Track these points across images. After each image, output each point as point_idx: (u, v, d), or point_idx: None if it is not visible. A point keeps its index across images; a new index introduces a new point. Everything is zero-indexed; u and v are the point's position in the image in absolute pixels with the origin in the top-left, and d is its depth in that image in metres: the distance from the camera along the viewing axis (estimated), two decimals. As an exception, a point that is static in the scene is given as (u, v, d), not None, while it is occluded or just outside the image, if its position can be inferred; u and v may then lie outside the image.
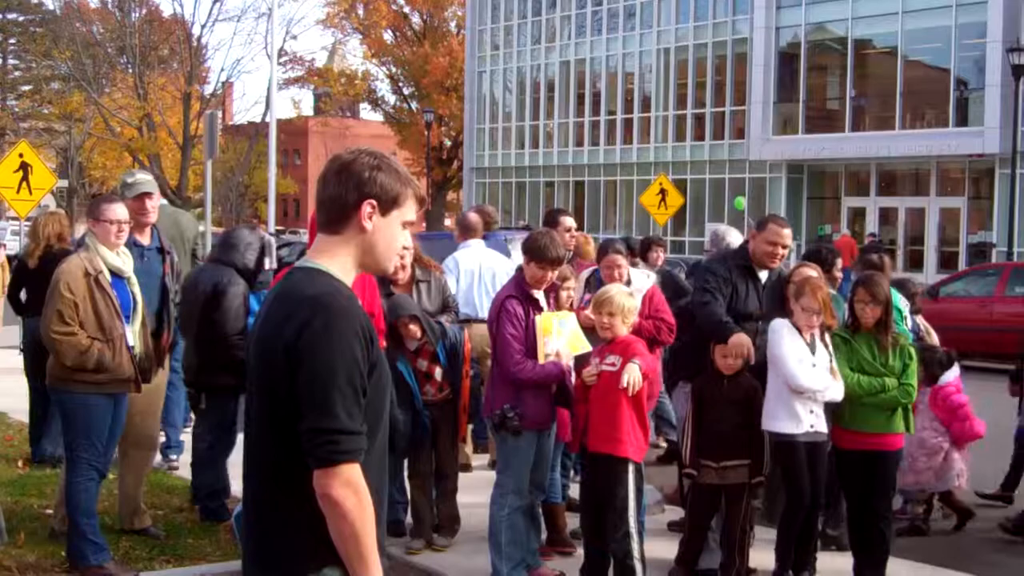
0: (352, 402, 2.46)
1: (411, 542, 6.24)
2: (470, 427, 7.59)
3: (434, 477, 6.35)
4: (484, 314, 7.12)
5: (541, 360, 5.46)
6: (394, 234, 2.67)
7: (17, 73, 55.27)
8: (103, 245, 5.64)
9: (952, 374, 7.17)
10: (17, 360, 9.18)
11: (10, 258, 8.82)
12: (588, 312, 5.81)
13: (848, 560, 5.86)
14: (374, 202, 2.61)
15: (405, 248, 3.26)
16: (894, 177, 34.18)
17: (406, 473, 6.40)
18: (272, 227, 25.58)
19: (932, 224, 32.37)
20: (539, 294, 5.64)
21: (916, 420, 6.20)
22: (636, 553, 5.26)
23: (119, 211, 5.68)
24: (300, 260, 2.70)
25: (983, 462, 7.79)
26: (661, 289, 6.76)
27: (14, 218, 21.36)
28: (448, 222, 47.71)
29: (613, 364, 5.31)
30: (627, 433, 5.27)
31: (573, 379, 5.55)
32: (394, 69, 53.96)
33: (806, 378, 5.52)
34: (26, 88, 54.40)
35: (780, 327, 5.67)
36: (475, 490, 6.57)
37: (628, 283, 6.31)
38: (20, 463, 7.99)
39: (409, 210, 2.69)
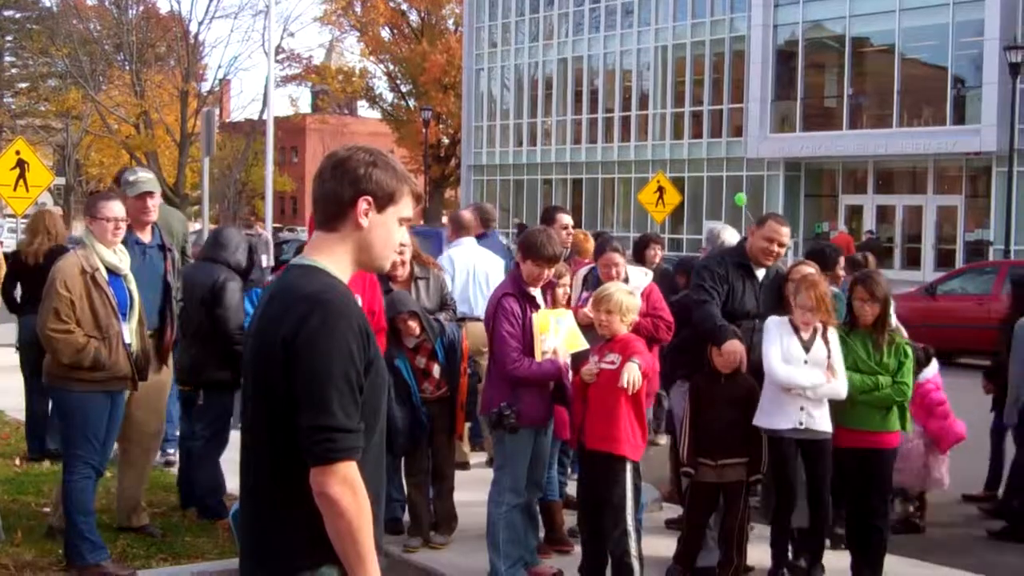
0: (349, 400, 2.45)
1: (409, 540, 6.23)
2: (467, 425, 7.58)
3: (432, 475, 6.33)
4: (480, 312, 7.11)
5: (538, 358, 5.45)
6: (390, 231, 2.65)
7: (14, 70, 55.12)
8: (100, 243, 5.63)
9: (931, 371, 6.99)
10: (13, 357, 9.16)
11: (6, 255, 8.79)
12: (586, 310, 5.80)
13: (846, 557, 5.86)
14: (370, 199, 2.60)
15: (403, 245, 3.24)
16: (891, 175, 34.21)
17: (404, 471, 6.39)
18: (270, 225, 25.53)
19: (929, 222, 32.40)
20: (536, 292, 5.62)
21: None
22: (634, 551, 5.26)
23: (116, 208, 5.66)
24: (297, 257, 2.69)
25: (980, 464, 7.80)
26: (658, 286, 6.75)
27: (11, 216, 21.31)
28: (445, 219, 47.65)
29: (612, 362, 5.30)
30: (625, 432, 5.27)
31: (570, 377, 5.55)
32: (392, 66, 53.97)
33: (783, 373, 5.50)
34: (23, 85, 54.30)
35: (770, 325, 5.68)
36: (473, 488, 6.55)
37: (626, 281, 6.31)
38: (17, 461, 7.97)
39: (405, 207, 2.67)
